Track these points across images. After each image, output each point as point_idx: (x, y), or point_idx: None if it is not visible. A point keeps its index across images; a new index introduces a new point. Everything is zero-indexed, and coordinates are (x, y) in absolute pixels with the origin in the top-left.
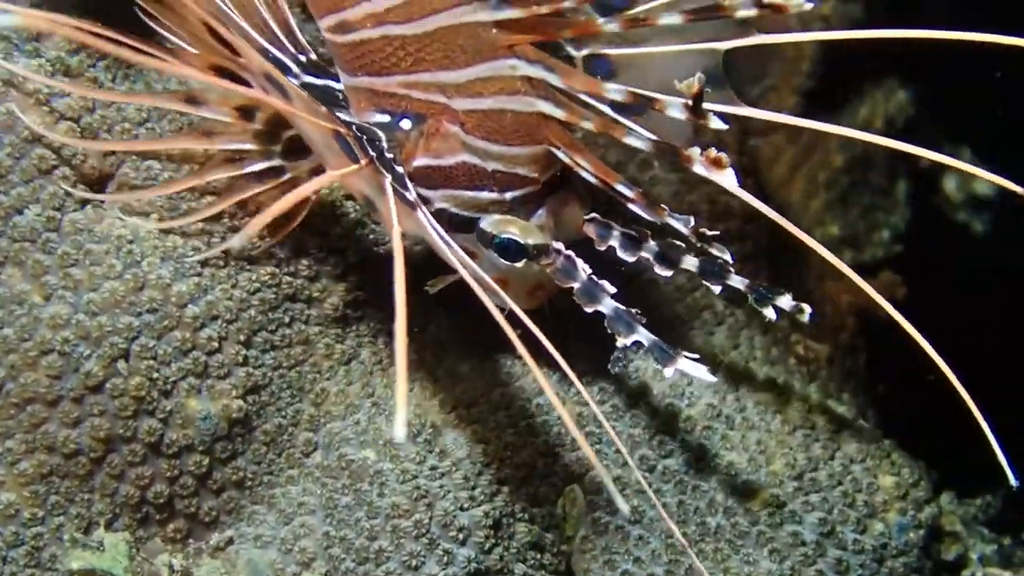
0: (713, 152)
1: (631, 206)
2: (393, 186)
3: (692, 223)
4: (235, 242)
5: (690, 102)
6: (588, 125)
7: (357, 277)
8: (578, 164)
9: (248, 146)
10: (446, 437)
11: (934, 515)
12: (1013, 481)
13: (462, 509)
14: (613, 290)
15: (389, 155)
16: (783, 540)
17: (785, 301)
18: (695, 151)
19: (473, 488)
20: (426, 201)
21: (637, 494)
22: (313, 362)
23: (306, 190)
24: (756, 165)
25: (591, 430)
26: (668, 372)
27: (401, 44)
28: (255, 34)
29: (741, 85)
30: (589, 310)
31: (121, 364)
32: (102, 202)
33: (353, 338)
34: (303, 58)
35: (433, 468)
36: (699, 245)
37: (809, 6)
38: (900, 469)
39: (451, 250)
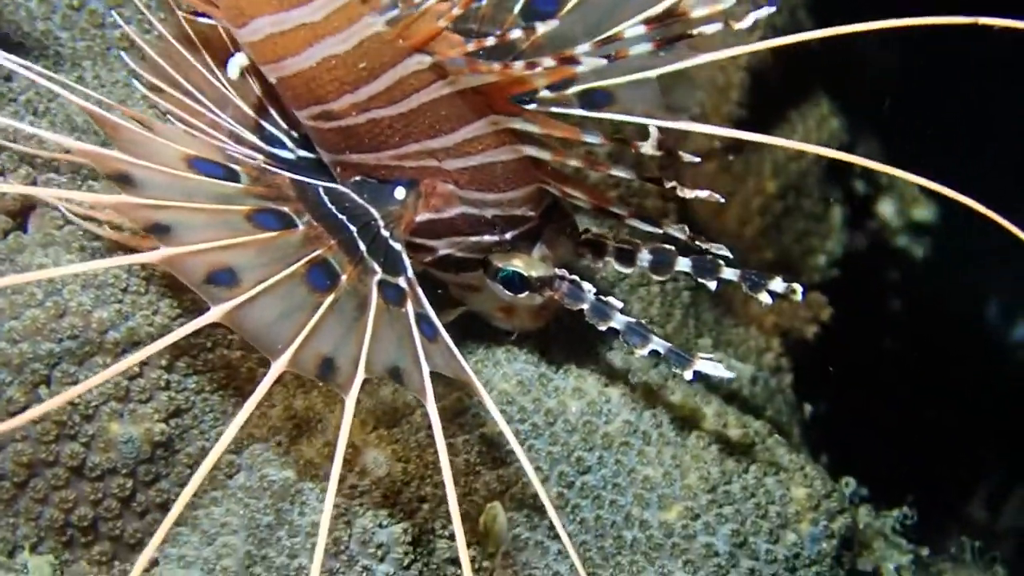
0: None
1: (630, 221)
2: (383, 281)
3: (687, 231)
4: None
5: (659, 142)
6: (575, 163)
7: None
8: (571, 195)
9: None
10: (366, 457)
11: (847, 525)
12: None
13: (380, 526)
14: (620, 304)
15: (385, 233)
16: (697, 552)
17: (777, 284)
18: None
19: (392, 505)
20: (432, 249)
21: (556, 510)
22: (236, 386)
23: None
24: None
25: (510, 449)
26: (688, 375)
27: (388, 124)
28: (248, 109)
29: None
30: (603, 328)
31: (43, 390)
32: (23, 232)
33: None
34: (295, 133)
35: (353, 487)
36: (695, 244)
37: (772, 9)
38: (813, 481)
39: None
